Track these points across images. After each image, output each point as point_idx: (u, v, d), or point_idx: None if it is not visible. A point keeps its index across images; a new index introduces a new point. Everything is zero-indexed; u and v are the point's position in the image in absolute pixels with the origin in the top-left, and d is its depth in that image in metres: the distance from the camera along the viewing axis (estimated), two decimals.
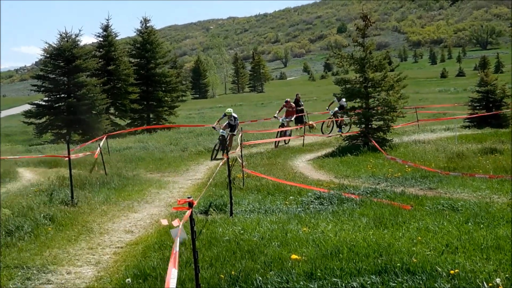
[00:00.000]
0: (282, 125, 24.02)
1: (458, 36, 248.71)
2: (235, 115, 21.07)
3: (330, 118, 27.58)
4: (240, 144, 16.30)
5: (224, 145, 19.22)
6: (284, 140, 24.00)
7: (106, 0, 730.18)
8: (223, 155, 17.51)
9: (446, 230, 7.99)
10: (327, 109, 28.60)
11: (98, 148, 17.53)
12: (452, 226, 8.20)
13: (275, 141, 23.18)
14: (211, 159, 19.79)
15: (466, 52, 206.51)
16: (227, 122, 21.14)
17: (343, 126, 27.11)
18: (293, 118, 25.24)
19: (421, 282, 5.90)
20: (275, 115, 25.11)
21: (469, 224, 8.33)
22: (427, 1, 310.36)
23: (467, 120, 28.01)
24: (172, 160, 19.96)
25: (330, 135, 26.17)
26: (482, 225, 8.23)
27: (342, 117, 25.91)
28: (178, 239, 5.06)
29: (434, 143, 20.52)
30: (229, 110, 21.07)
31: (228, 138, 20.61)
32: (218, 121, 21.57)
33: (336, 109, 27.05)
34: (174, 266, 4.51)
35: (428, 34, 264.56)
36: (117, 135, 30.45)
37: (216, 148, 20.32)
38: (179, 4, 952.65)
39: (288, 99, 26.19)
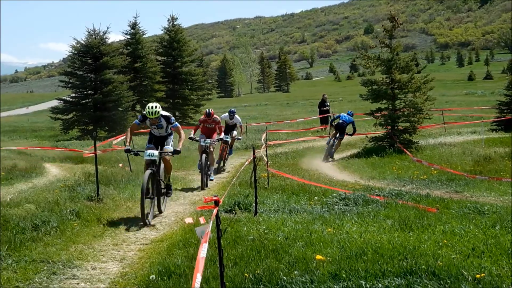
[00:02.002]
0: (205, 150, 15.05)
1: (486, 39, 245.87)
2: (167, 114, 11.03)
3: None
4: (265, 143, 16.28)
5: (157, 183, 10.68)
6: (207, 175, 15.05)
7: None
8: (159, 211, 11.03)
9: (472, 234, 7.90)
10: None
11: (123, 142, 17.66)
12: (479, 230, 8.11)
13: (201, 178, 14.31)
14: (147, 224, 9.93)
15: (494, 55, 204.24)
16: (149, 136, 11.50)
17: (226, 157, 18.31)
18: (220, 138, 15.94)
19: (446, 286, 5.83)
20: (191, 136, 15.56)
21: (496, 228, 8.23)
22: (455, 2, 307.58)
23: (494, 124, 27.71)
24: (197, 158, 19.95)
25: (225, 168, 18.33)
26: (509, 230, 8.12)
27: (230, 143, 18.15)
28: (206, 244, 4.95)
29: (460, 146, 20.36)
30: (154, 107, 10.55)
31: (165, 165, 11.02)
32: (131, 137, 12.56)
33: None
34: (199, 271, 4.47)
35: (456, 36, 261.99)
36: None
37: (147, 193, 10.32)
38: (206, 3, 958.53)
39: (211, 110, 16.14)
